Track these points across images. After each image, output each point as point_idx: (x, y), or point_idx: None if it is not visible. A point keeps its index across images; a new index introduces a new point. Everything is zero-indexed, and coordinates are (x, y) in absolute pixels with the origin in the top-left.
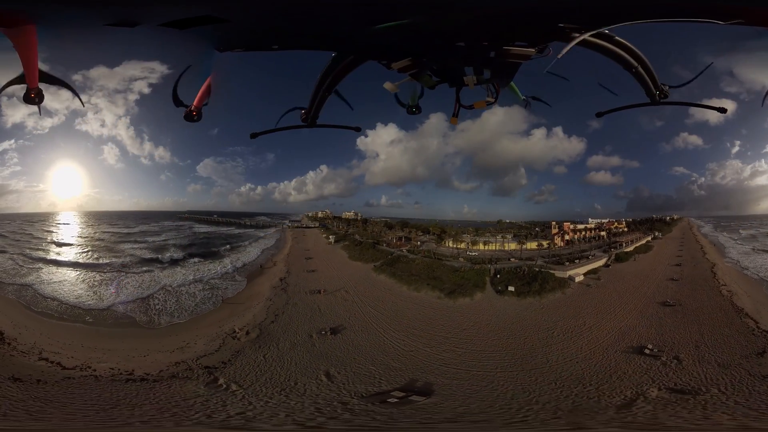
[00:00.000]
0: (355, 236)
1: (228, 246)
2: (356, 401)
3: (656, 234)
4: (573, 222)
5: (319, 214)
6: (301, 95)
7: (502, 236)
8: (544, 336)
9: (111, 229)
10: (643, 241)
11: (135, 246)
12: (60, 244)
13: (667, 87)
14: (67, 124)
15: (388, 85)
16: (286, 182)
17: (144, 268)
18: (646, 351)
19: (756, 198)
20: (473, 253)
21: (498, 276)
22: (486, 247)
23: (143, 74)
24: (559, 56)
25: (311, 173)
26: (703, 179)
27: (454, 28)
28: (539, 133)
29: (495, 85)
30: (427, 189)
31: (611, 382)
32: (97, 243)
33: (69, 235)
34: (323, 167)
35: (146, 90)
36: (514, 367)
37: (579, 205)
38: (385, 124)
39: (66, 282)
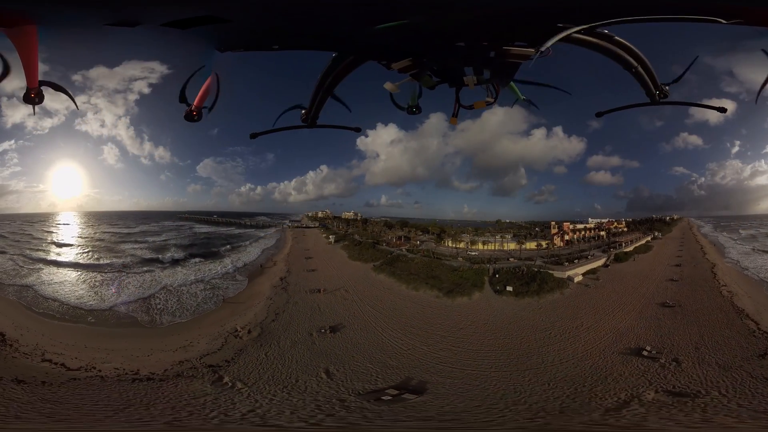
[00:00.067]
0: (355, 236)
1: (228, 246)
2: (353, 399)
3: (656, 234)
4: (573, 222)
5: (319, 214)
6: (302, 95)
7: (501, 236)
8: (541, 336)
9: (111, 229)
10: (643, 241)
11: (135, 246)
12: (60, 245)
13: (668, 87)
14: (67, 124)
15: (388, 86)
16: (286, 182)
17: (145, 268)
18: (644, 353)
19: (756, 198)
20: (473, 253)
21: (497, 276)
22: (485, 247)
23: (143, 74)
24: (542, 48)
25: (311, 173)
26: (703, 179)
27: (454, 28)
28: (539, 133)
29: (495, 85)
30: (427, 189)
31: (606, 384)
32: (97, 243)
33: (69, 236)
34: (323, 167)
35: (146, 90)
36: (508, 367)
37: (579, 205)
38: (386, 124)
39: (67, 283)
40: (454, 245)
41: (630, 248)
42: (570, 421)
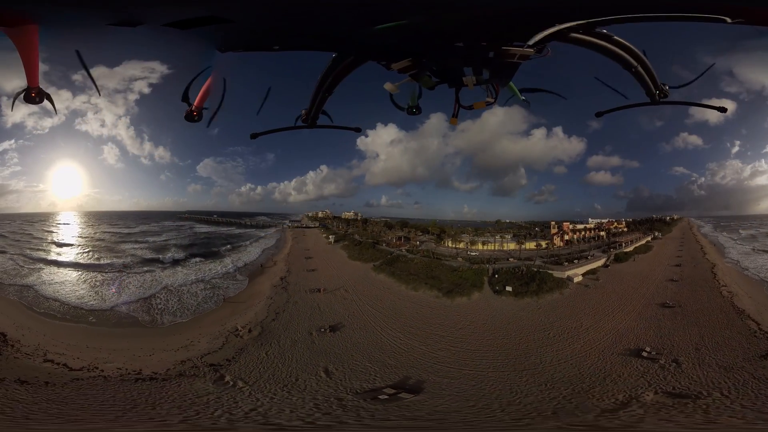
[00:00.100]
0: (355, 236)
1: (229, 246)
2: (350, 398)
3: (656, 234)
4: (572, 222)
5: (319, 214)
6: (302, 95)
7: (500, 236)
8: (539, 337)
9: (111, 229)
10: (643, 242)
11: (136, 246)
12: (60, 245)
13: (667, 87)
14: (67, 124)
15: (388, 86)
16: (286, 182)
17: (145, 268)
18: (644, 354)
19: (756, 198)
20: (473, 253)
21: (496, 276)
22: (484, 247)
23: (143, 74)
24: (531, 42)
25: (311, 173)
26: (703, 179)
27: (453, 28)
28: (539, 133)
29: (494, 85)
30: (427, 189)
31: (604, 385)
32: (97, 243)
33: (69, 236)
34: (323, 167)
35: (146, 90)
36: (506, 368)
37: (579, 205)
38: (385, 125)
39: (67, 283)
40: (453, 245)
41: (630, 248)
42: (562, 422)
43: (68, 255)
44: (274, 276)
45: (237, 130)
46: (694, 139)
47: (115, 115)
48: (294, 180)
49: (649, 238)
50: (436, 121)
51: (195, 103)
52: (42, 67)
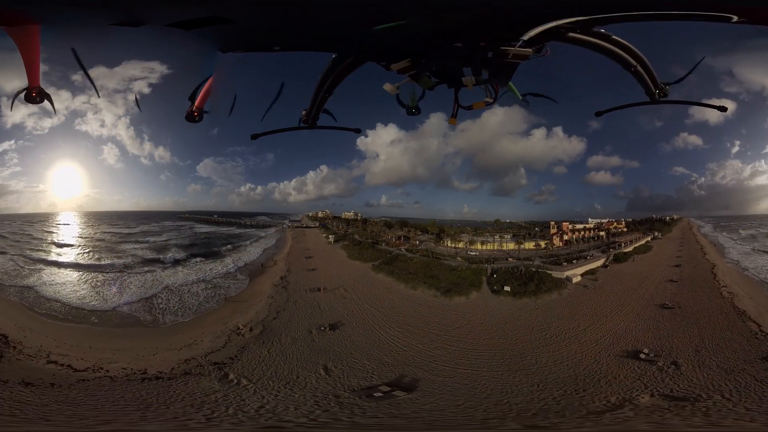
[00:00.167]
0: (355, 236)
1: (229, 246)
2: (347, 395)
3: (656, 234)
4: (572, 222)
5: (319, 214)
6: (302, 96)
7: (499, 236)
8: (536, 337)
9: (111, 229)
10: (643, 242)
11: (136, 246)
12: (60, 245)
13: (667, 86)
14: (67, 124)
15: (387, 87)
16: (286, 182)
17: (146, 269)
18: (642, 355)
19: (756, 198)
20: (473, 253)
21: (494, 276)
22: (483, 247)
23: (143, 74)
24: (525, 38)
25: (311, 173)
26: (703, 179)
27: (451, 28)
28: (539, 133)
29: (493, 85)
30: (427, 189)
31: (598, 386)
32: (98, 243)
33: (69, 236)
34: (323, 167)
35: (146, 90)
36: (501, 367)
37: (579, 205)
38: (385, 125)
39: (68, 283)
40: (453, 245)
41: (629, 248)
42: (545, 423)
43: (69, 255)
44: (275, 275)
45: (237, 130)
46: (694, 139)
47: (115, 115)
48: (294, 180)
49: (649, 238)
50: (436, 121)
51: (196, 104)
52: (42, 68)
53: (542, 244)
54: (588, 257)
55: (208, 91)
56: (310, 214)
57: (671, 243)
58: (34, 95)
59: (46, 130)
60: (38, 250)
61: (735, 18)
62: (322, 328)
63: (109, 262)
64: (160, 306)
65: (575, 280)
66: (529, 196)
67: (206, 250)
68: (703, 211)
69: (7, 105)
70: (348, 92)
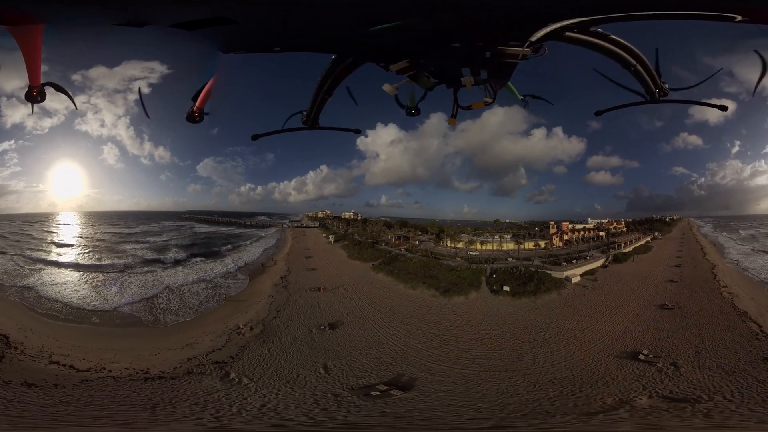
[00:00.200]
0: (355, 236)
1: (229, 246)
2: (346, 394)
3: (656, 234)
4: (572, 222)
5: (319, 214)
6: (302, 97)
7: (499, 236)
8: (535, 337)
9: (112, 229)
10: (642, 242)
11: (137, 246)
12: (61, 245)
13: (667, 85)
14: (67, 124)
15: (387, 87)
16: (286, 182)
17: (147, 269)
18: (641, 356)
19: (756, 198)
20: (473, 253)
21: (494, 276)
22: (483, 247)
23: (143, 74)
24: (533, 38)
25: (311, 173)
26: (703, 179)
27: (448, 28)
28: (539, 133)
29: (492, 85)
30: (427, 189)
31: (596, 388)
32: (98, 243)
33: (70, 236)
34: (323, 167)
35: (146, 90)
36: (498, 367)
37: (579, 205)
38: (386, 125)
39: (69, 283)
40: (452, 245)
41: (629, 249)
42: (533, 423)
43: (69, 256)
44: (275, 275)
45: (237, 130)
46: (694, 139)
47: (115, 115)
48: (294, 180)
49: (649, 239)
50: (436, 121)
51: (197, 104)
52: (42, 67)
53: (542, 244)
54: (587, 257)
55: (209, 92)
56: (310, 214)
57: (671, 243)
58: (35, 94)
59: (46, 130)
60: (38, 250)
61: (738, 18)
62: (322, 328)
63: (110, 262)
64: (161, 306)
65: (574, 280)
66: (529, 196)
67: (206, 250)
68: (703, 211)
69: (7, 105)
70: (348, 93)
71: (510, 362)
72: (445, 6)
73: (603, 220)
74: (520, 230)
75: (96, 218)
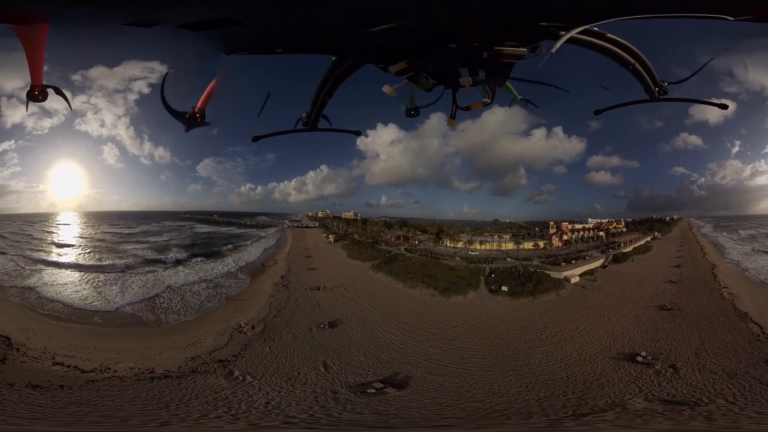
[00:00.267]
0: (354, 236)
1: (230, 245)
2: (344, 391)
3: (655, 234)
4: (572, 222)
5: (319, 214)
6: (302, 97)
7: (498, 236)
8: (532, 338)
9: (112, 229)
10: (642, 242)
11: (137, 246)
12: (61, 245)
13: (666, 84)
14: (67, 124)
15: (386, 89)
16: (286, 182)
17: (147, 269)
18: (639, 358)
19: (756, 198)
20: (473, 253)
21: (493, 275)
22: (482, 247)
23: (143, 74)
24: (553, 50)
25: (311, 173)
26: (703, 179)
27: (444, 29)
28: (539, 133)
29: (491, 85)
30: (427, 189)
31: (591, 390)
32: (98, 243)
33: (70, 236)
34: (323, 167)
35: (146, 90)
36: (493, 367)
37: (579, 205)
38: (386, 125)
39: (70, 284)
40: (452, 245)
41: (629, 249)
42: (515, 423)
43: (69, 256)
44: (275, 274)
45: (237, 130)
46: (694, 139)
47: (115, 115)
48: (294, 180)
49: (649, 239)
50: (436, 121)
51: (198, 105)
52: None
53: (541, 244)
54: (587, 257)
55: (210, 93)
56: (310, 214)
57: (671, 243)
58: (37, 93)
59: (46, 130)
60: (39, 251)
61: (738, 17)
62: (322, 326)
63: (111, 262)
64: (163, 305)
65: (573, 280)
66: (529, 196)
67: (207, 250)
68: (703, 211)
69: (7, 105)
70: (349, 94)
71: (505, 362)
72: (441, 6)
73: (603, 220)
74: (520, 230)
75: (96, 218)
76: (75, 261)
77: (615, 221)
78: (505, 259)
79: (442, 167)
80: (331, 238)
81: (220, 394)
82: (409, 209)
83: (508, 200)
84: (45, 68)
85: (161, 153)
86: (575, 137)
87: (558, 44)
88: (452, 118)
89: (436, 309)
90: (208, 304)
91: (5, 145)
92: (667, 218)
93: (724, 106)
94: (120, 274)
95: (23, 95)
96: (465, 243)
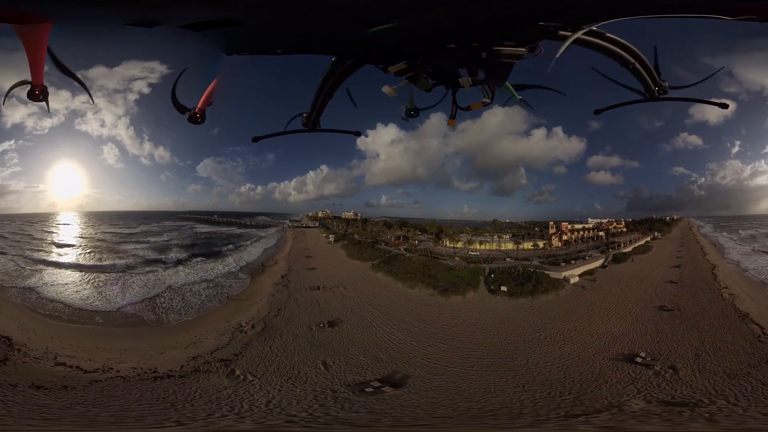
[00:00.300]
0: (354, 236)
1: (231, 245)
2: (343, 389)
3: (655, 234)
4: (571, 222)
5: (319, 214)
6: (302, 98)
7: (498, 236)
8: (530, 338)
9: (112, 229)
10: (642, 242)
11: (138, 246)
12: (61, 245)
13: (666, 83)
14: (67, 124)
15: (386, 89)
16: (286, 182)
17: (148, 269)
18: (638, 359)
19: (756, 198)
20: (474, 253)
21: (492, 275)
22: (482, 247)
23: (143, 74)
24: (558, 55)
25: (311, 173)
26: (703, 179)
27: (443, 29)
28: (539, 133)
29: (490, 85)
30: (428, 189)
31: (588, 390)
32: (99, 244)
33: (70, 236)
34: (323, 167)
35: (146, 90)
36: (490, 367)
37: (579, 205)
38: (386, 125)
39: (71, 284)
40: (451, 245)
41: (629, 249)
42: (501, 423)
43: (70, 256)
44: (276, 274)
45: (237, 130)
46: (694, 139)
47: (115, 115)
48: (294, 180)
49: (649, 239)
50: (436, 121)
51: (198, 105)
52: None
53: (540, 244)
54: (587, 257)
55: (211, 93)
56: (310, 214)
57: (671, 243)
58: (37, 93)
59: (46, 130)
60: (39, 251)
61: (737, 16)
62: (322, 325)
63: (111, 262)
64: (164, 305)
65: (573, 280)
66: (529, 196)
67: (207, 250)
68: (703, 211)
69: (8, 106)
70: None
71: (503, 362)
72: (440, 6)
73: (603, 220)
74: (520, 230)
75: (96, 218)
76: (75, 261)
77: (615, 221)
78: (505, 259)
79: (442, 167)
80: (331, 238)
81: (223, 393)
82: (409, 209)
83: (508, 200)
84: (45, 68)
85: (161, 153)
86: (575, 137)
87: (562, 48)
88: (452, 118)
89: (436, 309)
90: (208, 303)
91: (5, 145)
92: (667, 218)
93: (725, 106)
94: (120, 274)
95: (24, 95)
96: (465, 243)
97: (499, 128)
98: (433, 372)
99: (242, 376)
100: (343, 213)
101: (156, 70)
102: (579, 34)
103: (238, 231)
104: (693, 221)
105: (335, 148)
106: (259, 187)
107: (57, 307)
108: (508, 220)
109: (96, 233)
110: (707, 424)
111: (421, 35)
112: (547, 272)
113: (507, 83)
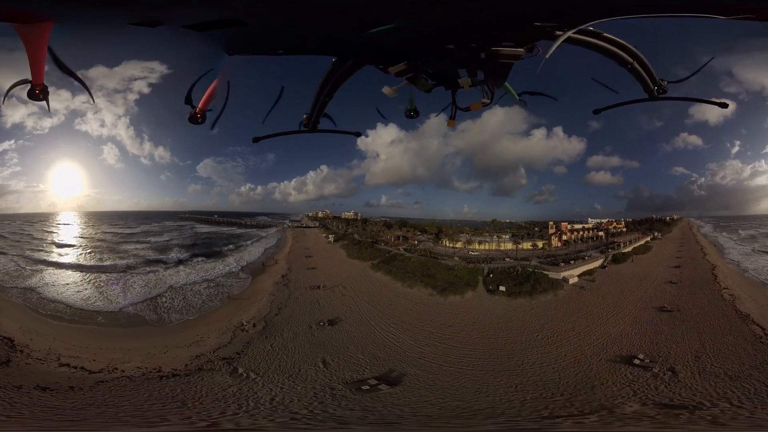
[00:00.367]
0: (354, 236)
1: (231, 245)
2: (341, 387)
3: (655, 234)
4: (571, 222)
5: (319, 214)
6: (302, 98)
7: (497, 236)
8: (527, 338)
9: (112, 229)
10: (642, 242)
11: (138, 246)
12: (61, 245)
13: (666, 82)
14: (67, 124)
15: (386, 90)
16: (286, 182)
17: (149, 269)
18: (636, 361)
19: (756, 198)
20: (474, 253)
21: (491, 275)
22: (481, 247)
23: (143, 74)
24: (547, 56)
25: (311, 173)
26: (703, 179)
27: (441, 29)
28: (539, 133)
29: (490, 86)
30: (428, 189)
31: (581, 392)
32: (99, 244)
33: (70, 236)
34: (323, 167)
35: (146, 90)
36: (486, 367)
37: (579, 205)
38: (386, 125)
39: (72, 284)
40: (451, 245)
41: (628, 249)
42: (472, 423)
43: (70, 256)
44: (276, 274)
45: (237, 131)
46: (694, 139)
47: (115, 115)
48: (294, 180)
49: (649, 239)
50: (436, 121)
51: (199, 106)
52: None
53: (540, 244)
54: (586, 258)
55: (211, 93)
56: (310, 214)
57: (671, 243)
58: (38, 92)
59: (46, 130)
60: (39, 251)
61: (733, 16)
62: (322, 324)
63: (112, 262)
64: (165, 305)
65: (572, 281)
66: (529, 196)
67: (208, 249)
68: (703, 211)
69: (7, 106)
70: (349, 94)
71: (498, 362)
72: (440, 6)
73: (603, 220)
74: (520, 230)
75: (96, 218)
76: (76, 261)
77: (615, 221)
78: (504, 259)
79: (442, 167)
80: (331, 237)
81: (228, 391)
82: (409, 209)
83: (508, 200)
84: (45, 68)
85: (161, 153)
86: (575, 137)
87: (553, 48)
88: (452, 118)
89: (434, 308)
90: (210, 303)
91: (5, 145)
92: (667, 218)
93: (725, 105)
94: (121, 274)
95: (24, 94)
96: (464, 243)
97: (499, 128)
98: (429, 371)
99: (245, 374)
100: (343, 213)
101: (156, 70)
102: (570, 33)
103: (239, 231)
104: (693, 221)
105: (335, 148)
106: (259, 187)
107: (58, 307)
108: (507, 220)
109: (96, 233)
110: (711, 427)
111: (421, 36)
112: (545, 272)
113: (506, 83)
